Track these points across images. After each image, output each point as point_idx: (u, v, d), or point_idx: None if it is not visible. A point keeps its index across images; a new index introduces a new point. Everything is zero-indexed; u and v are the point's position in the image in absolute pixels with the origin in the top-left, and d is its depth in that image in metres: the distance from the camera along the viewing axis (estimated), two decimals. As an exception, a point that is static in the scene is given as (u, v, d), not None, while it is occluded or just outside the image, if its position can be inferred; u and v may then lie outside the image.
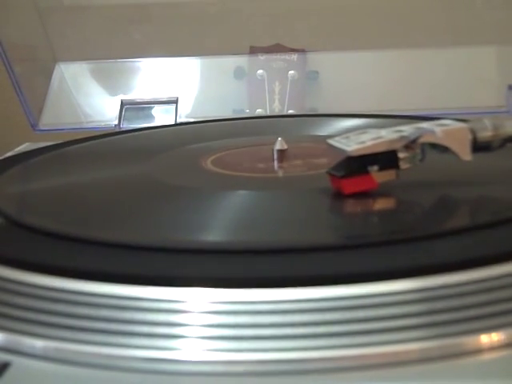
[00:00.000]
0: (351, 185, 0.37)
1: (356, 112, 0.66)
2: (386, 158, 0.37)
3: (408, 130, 0.38)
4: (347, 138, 0.38)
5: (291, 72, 0.76)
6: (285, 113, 0.75)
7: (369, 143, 0.36)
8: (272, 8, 0.76)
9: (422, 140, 0.37)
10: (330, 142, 0.38)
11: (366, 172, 0.37)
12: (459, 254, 0.29)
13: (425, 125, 0.38)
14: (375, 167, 0.37)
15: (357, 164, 0.37)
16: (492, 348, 0.25)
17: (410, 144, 0.37)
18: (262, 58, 0.77)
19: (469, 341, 0.25)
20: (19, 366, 0.26)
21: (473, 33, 0.74)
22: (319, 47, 0.77)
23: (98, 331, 0.26)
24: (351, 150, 0.36)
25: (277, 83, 0.76)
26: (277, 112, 0.75)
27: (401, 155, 0.37)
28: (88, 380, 0.25)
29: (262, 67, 0.76)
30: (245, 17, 0.76)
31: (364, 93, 0.75)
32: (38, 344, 0.27)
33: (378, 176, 0.37)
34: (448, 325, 0.26)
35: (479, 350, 0.25)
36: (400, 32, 0.76)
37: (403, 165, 0.37)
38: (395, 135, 0.37)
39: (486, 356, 0.25)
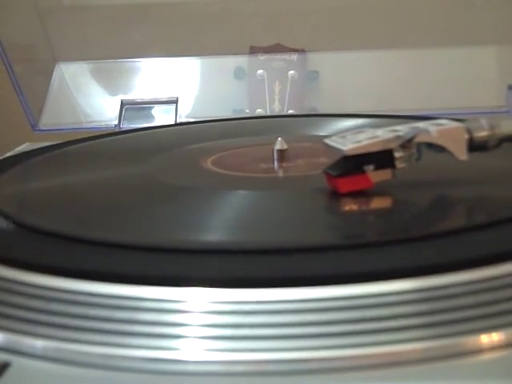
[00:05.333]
0: (347, 184, 0.37)
1: (356, 112, 0.66)
2: (382, 158, 0.37)
3: (404, 129, 0.38)
4: (344, 137, 0.38)
5: (291, 72, 0.76)
6: (285, 113, 0.75)
7: (364, 142, 0.37)
8: (272, 8, 0.76)
9: (417, 139, 0.37)
10: (327, 141, 0.38)
11: (362, 171, 0.37)
12: (459, 254, 0.29)
13: (421, 124, 0.38)
14: (371, 167, 0.37)
15: (352, 163, 0.37)
16: (492, 348, 0.25)
17: (406, 143, 0.37)
18: (261, 58, 0.77)
19: (469, 341, 0.25)
20: (19, 366, 0.26)
21: (473, 33, 0.74)
22: (319, 47, 0.77)
23: (98, 331, 0.26)
24: (347, 149, 0.36)
25: (277, 83, 0.76)
26: (277, 112, 0.75)
27: (397, 155, 0.37)
28: (88, 380, 0.25)
29: (262, 67, 0.76)
30: (245, 17, 0.76)
31: (364, 93, 0.75)
32: (38, 344, 0.27)
33: (374, 175, 0.37)
34: (448, 325, 0.26)
35: (479, 350, 0.25)
36: (400, 32, 0.76)
37: (399, 164, 0.37)
38: (391, 135, 0.37)
39: (486, 356, 0.25)
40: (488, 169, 0.42)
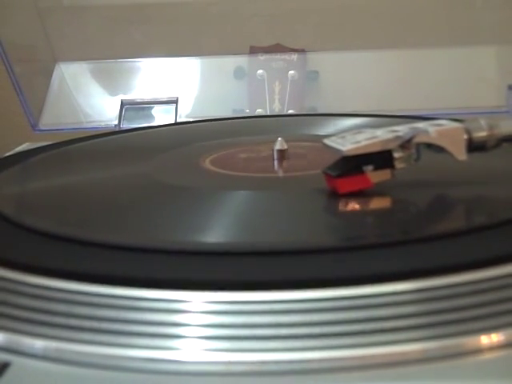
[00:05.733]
0: (346, 184, 0.37)
1: (356, 112, 0.66)
2: (381, 158, 0.37)
3: (403, 129, 0.38)
4: (343, 137, 0.38)
5: (291, 72, 0.76)
6: (285, 113, 0.75)
7: (363, 143, 0.37)
8: (272, 8, 0.76)
9: (416, 140, 0.37)
10: (326, 141, 0.38)
11: (362, 172, 0.37)
12: (458, 256, 0.29)
13: (420, 125, 0.38)
14: (370, 167, 0.37)
15: (352, 164, 0.37)
16: (492, 348, 0.25)
17: (405, 144, 0.37)
18: (261, 58, 0.77)
19: (469, 341, 0.25)
20: (19, 366, 0.26)
21: (473, 33, 0.74)
22: (319, 47, 0.77)
23: (98, 331, 0.26)
24: (346, 149, 0.36)
25: (277, 83, 0.76)
26: (277, 112, 0.75)
27: (396, 155, 0.37)
28: (88, 380, 0.25)
29: (262, 67, 0.76)
30: (245, 17, 0.76)
31: (364, 93, 0.75)
32: (38, 344, 0.27)
33: (373, 176, 0.37)
34: (448, 325, 0.26)
35: (479, 350, 0.25)
36: (400, 32, 0.76)
37: (398, 164, 0.37)
38: (390, 135, 0.37)
39: (486, 356, 0.25)
40: (487, 169, 0.42)
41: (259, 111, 0.75)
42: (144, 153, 0.52)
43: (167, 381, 0.25)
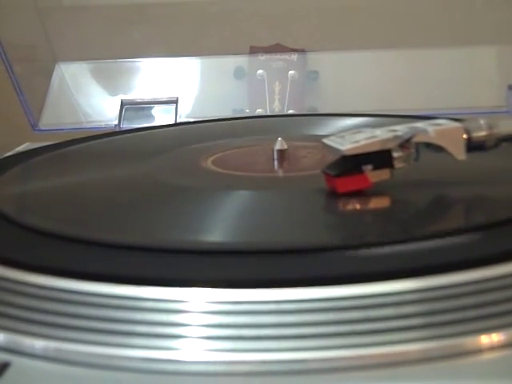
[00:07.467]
0: (345, 184, 0.37)
1: (356, 112, 0.66)
2: (381, 158, 0.37)
3: (402, 129, 0.38)
4: (342, 137, 0.38)
5: (291, 72, 0.76)
6: (285, 113, 0.75)
7: (362, 142, 0.37)
8: (272, 8, 0.76)
9: (415, 139, 0.37)
10: (325, 141, 0.38)
11: (361, 171, 0.37)
12: (458, 255, 0.29)
13: (419, 124, 0.38)
14: (369, 166, 0.37)
15: (351, 163, 0.37)
16: (492, 348, 0.25)
17: (405, 143, 0.37)
18: (261, 58, 0.77)
19: (469, 341, 0.25)
20: (19, 366, 0.26)
21: (473, 33, 0.74)
22: (319, 47, 0.77)
23: (98, 331, 0.26)
24: (345, 149, 0.36)
25: (277, 83, 0.76)
26: (277, 112, 0.75)
27: (395, 154, 0.37)
28: (88, 380, 0.25)
29: (262, 67, 0.76)
30: (245, 17, 0.76)
31: (364, 93, 0.75)
32: (38, 344, 0.27)
33: (373, 175, 0.37)
34: (448, 325, 0.26)
35: (479, 350, 0.25)
36: (400, 32, 0.76)
37: (397, 164, 0.37)
38: (389, 134, 0.37)
39: (486, 356, 0.25)
40: (487, 169, 0.42)
41: (259, 111, 0.75)
42: (145, 153, 0.52)
43: (167, 381, 0.25)
